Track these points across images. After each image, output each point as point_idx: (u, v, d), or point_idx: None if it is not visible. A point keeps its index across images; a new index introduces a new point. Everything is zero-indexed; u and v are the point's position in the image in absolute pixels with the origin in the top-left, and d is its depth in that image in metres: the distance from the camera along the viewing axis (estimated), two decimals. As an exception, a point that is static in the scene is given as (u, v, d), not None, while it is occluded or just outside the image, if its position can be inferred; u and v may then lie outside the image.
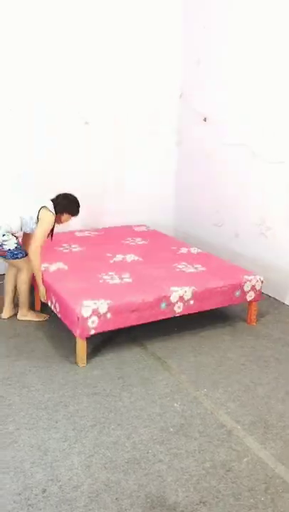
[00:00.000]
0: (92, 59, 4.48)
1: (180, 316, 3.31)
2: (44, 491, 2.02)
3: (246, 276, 3.48)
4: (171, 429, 2.42)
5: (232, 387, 2.80)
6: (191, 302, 3.25)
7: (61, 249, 4.00)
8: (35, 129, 4.33)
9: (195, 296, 3.25)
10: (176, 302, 3.19)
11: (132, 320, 3.08)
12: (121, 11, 4.51)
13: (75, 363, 3.01)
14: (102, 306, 2.94)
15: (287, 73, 3.72)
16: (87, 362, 3.02)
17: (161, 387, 2.78)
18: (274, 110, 3.88)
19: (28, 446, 2.28)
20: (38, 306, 3.79)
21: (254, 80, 4.05)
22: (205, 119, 4.71)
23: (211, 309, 3.42)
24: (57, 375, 2.88)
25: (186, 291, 3.21)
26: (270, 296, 4.07)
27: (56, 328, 3.47)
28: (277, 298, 4.09)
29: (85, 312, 2.89)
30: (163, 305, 3.15)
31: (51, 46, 4.26)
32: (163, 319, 3.26)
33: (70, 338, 3.33)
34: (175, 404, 2.62)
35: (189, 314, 3.33)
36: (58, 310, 3.21)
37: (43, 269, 3.48)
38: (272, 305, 3.95)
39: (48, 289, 3.36)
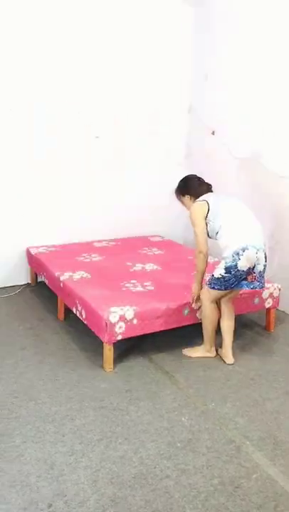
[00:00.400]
0: (103, 76, 4.54)
1: (188, 328, 3.29)
2: (50, 505, 2.00)
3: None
4: (179, 444, 2.39)
5: (240, 402, 2.76)
6: None
7: (82, 258, 4.14)
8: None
9: None
10: (199, 309, 3.25)
11: (158, 326, 3.16)
12: (132, 27, 4.57)
13: (102, 368, 3.05)
14: (129, 312, 3.02)
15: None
16: (95, 375, 3.00)
17: (168, 401, 2.75)
18: (282, 124, 3.90)
19: (35, 460, 2.26)
20: (61, 316, 3.81)
21: (262, 94, 4.08)
22: (213, 133, 4.74)
23: None
24: (64, 388, 2.87)
25: None
26: (278, 310, 4.04)
27: (63, 341, 3.47)
28: (286, 311, 4.06)
29: (113, 318, 2.96)
30: (186, 311, 3.22)
31: (59, 65, 4.33)
32: (170, 331, 3.27)
33: (78, 350, 3.33)
34: (183, 419, 2.59)
35: (201, 324, 3.31)
36: (84, 317, 3.26)
37: (67, 277, 3.59)
38: (280, 318, 3.92)
39: (73, 296, 3.41)
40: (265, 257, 3.04)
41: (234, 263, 2.93)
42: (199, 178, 3.35)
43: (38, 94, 4.30)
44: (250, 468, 2.24)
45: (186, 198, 3.30)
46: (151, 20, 4.67)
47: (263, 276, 3.06)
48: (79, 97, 4.49)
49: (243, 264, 2.94)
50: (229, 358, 3.20)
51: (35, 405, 2.69)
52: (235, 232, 3.03)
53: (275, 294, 3.60)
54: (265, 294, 3.54)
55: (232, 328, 3.24)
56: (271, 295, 3.57)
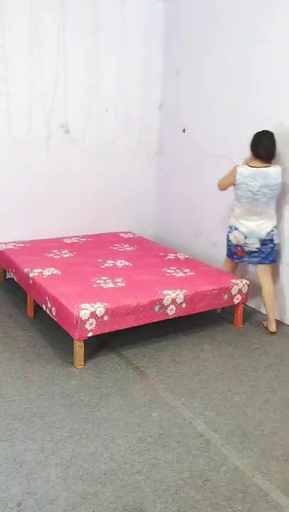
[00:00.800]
0: (75, 70, 4.48)
1: (159, 324, 3.32)
2: (19, 504, 1.98)
3: (233, 281, 3.65)
4: (149, 439, 2.41)
5: (210, 396, 2.81)
6: (183, 305, 3.35)
7: (51, 255, 4.09)
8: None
9: (186, 299, 3.35)
10: (169, 305, 3.28)
11: (128, 322, 3.16)
12: (104, 21, 4.53)
13: (73, 365, 3.04)
14: (100, 309, 3.01)
15: (265, 84, 3.80)
16: (65, 372, 2.99)
17: (139, 397, 2.77)
18: (252, 122, 3.95)
19: (4, 459, 2.24)
20: (31, 313, 3.76)
21: (233, 91, 4.12)
22: (184, 130, 4.76)
23: (200, 312, 3.53)
24: (34, 385, 2.84)
25: (178, 295, 3.32)
26: (247, 305, 4.11)
27: (33, 338, 3.43)
28: (253, 307, 4.14)
29: (84, 315, 2.94)
30: (156, 308, 3.23)
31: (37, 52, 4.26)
32: (140, 327, 3.30)
33: (48, 347, 3.30)
34: (153, 414, 2.61)
35: (171, 320, 3.37)
36: (54, 314, 3.23)
37: (36, 273, 3.55)
38: (248, 314, 3.99)
39: (42, 293, 3.35)
40: (265, 243, 3.59)
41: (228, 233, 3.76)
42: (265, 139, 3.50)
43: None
44: (219, 461, 2.28)
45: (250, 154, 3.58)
46: (123, 14, 4.64)
47: (256, 256, 3.65)
48: (51, 93, 4.43)
49: (231, 238, 3.71)
50: (271, 327, 3.66)
51: (5, 403, 2.65)
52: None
53: (244, 290, 3.66)
54: (234, 290, 3.60)
55: (268, 300, 3.66)
56: (240, 291, 3.64)
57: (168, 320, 3.37)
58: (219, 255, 4.47)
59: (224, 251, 4.40)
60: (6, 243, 4.37)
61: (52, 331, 3.50)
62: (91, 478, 2.14)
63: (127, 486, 2.10)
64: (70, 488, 2.07)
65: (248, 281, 3.70)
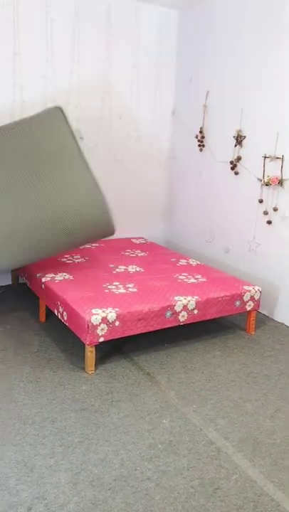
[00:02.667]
0: (88, 77, 4.53)
1: (171, 330, 3.31)
2: (29, 509, 1.98)
3: (246, 287, 3.62)
4: (160, 446, 2.40)
5: (221, 404, 2.79)
6: (195, 311, 3.34)
7: (64, 260, 4.12)
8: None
9: (198, 305, 3.34)
10: (181, 311, 3.27)
11: (139, 328, 3.16)
12: (117, 28, 4.57)
13: (84, 370, 3.04)
14: (111, 314, 3.01)
15: (274, 92, 3.80)
16: (76, 377, 2.99)
17: (150, 403, 2.76)
18: (263, 128, 3.95)
19: (14, 463, 2.24)
20: (42, 318, 3.78)
21: (246, 98, 4.13)
22: (196, 136, 4.76)
23: (212, 319, 3.52)
24: (45, 389, 2.85)
25: (189, 301, 3.30)
26: (259, 312, 4.08)
27: (44, 343, 3.44)
28: (265, 314, 4.11)
29: (95, 320, 2.94)
30: (168, 314, 3.22)
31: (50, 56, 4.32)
32: (151, 333, 3.31)
33: (59, 352, 3.31)
34: (164, 421, 2.60)
35: (183, 326, 3.34)
36: (65, 319, 3.24)
37: (48, 278, 3.59)
38: (260, 320, 3.96)
39: (54, 297, 3.37)
40: None
41: None
42: None
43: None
44: (230, 469, 2.26)
45: None
46: (136, 22, 4.68)
47: None
48: (65, 100, 4.46)
49: None
50: None
51: (16, 407, 2.66)
52: None
53: (256, 297, 3.64)
54: (247, 296, 3.58)
55: None
56: (252, 298, 3.61)
57: (179, 326, 3.36)
58: (232, 261, 4.47)
59: (237, 257, 4.40)
60: (18, 248, 4.39)
61: (63, 335, 3.51)
62: (101, 484, 2.13)
63: (137, 492, 2.09)
64: (80, 494, 2.07)
65: (260, 288, 3.67)
